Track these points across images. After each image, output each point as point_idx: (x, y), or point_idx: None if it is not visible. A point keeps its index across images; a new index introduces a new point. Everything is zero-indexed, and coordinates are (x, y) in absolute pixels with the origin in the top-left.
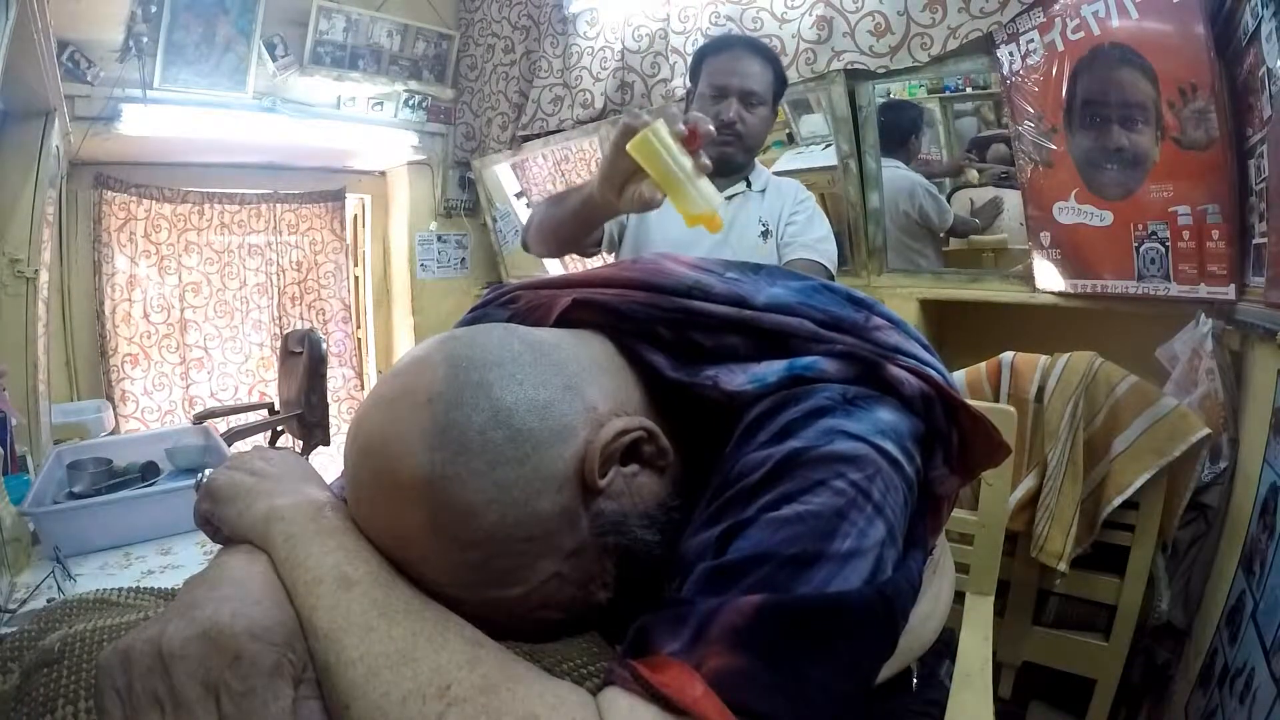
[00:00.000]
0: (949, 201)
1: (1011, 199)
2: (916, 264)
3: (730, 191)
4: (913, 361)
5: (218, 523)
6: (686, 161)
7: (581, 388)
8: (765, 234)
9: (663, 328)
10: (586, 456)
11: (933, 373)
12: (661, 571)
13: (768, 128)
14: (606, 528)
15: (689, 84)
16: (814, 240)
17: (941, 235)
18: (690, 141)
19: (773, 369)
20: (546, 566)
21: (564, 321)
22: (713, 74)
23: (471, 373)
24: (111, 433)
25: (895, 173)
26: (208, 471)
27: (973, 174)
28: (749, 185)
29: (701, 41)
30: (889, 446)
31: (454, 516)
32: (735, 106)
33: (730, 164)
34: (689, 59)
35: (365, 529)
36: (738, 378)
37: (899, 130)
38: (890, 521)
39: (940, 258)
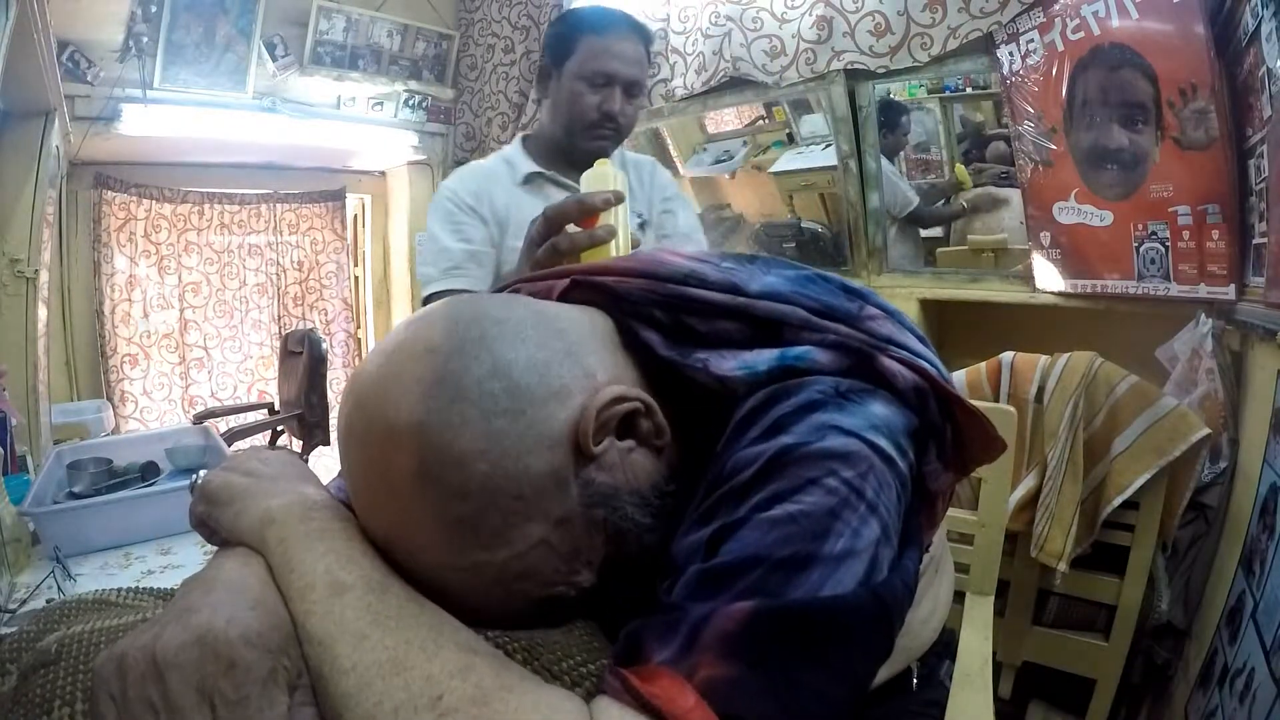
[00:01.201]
0: (949, 205)
1: (1011, 199)
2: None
3: None
4: (906, 354)
5: (213, 525)
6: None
7: (581, 355)
8: (643, 225)
9: (659, 310)
10: (581, 419)
11: (927, 365)
12: (653, 561)
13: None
14: (596, 499)
15: (544, 57)
16: (690, 230)
17: (899, 218)
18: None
19: (763, 357)
20: (534, 531)
21: (564, 302)
22: (594, 57)
23: (473, 328)
24: (111, 433)
25: None
26: (202, 473)
27: (963, 171)
28: None
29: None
30: (882, 442)
31: (444, 464)
32: (620, 98)
33: (603, 155)
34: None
35: (352, 481)
36: (728, 363)
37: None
38: (884, 520)
39: (905, 239)
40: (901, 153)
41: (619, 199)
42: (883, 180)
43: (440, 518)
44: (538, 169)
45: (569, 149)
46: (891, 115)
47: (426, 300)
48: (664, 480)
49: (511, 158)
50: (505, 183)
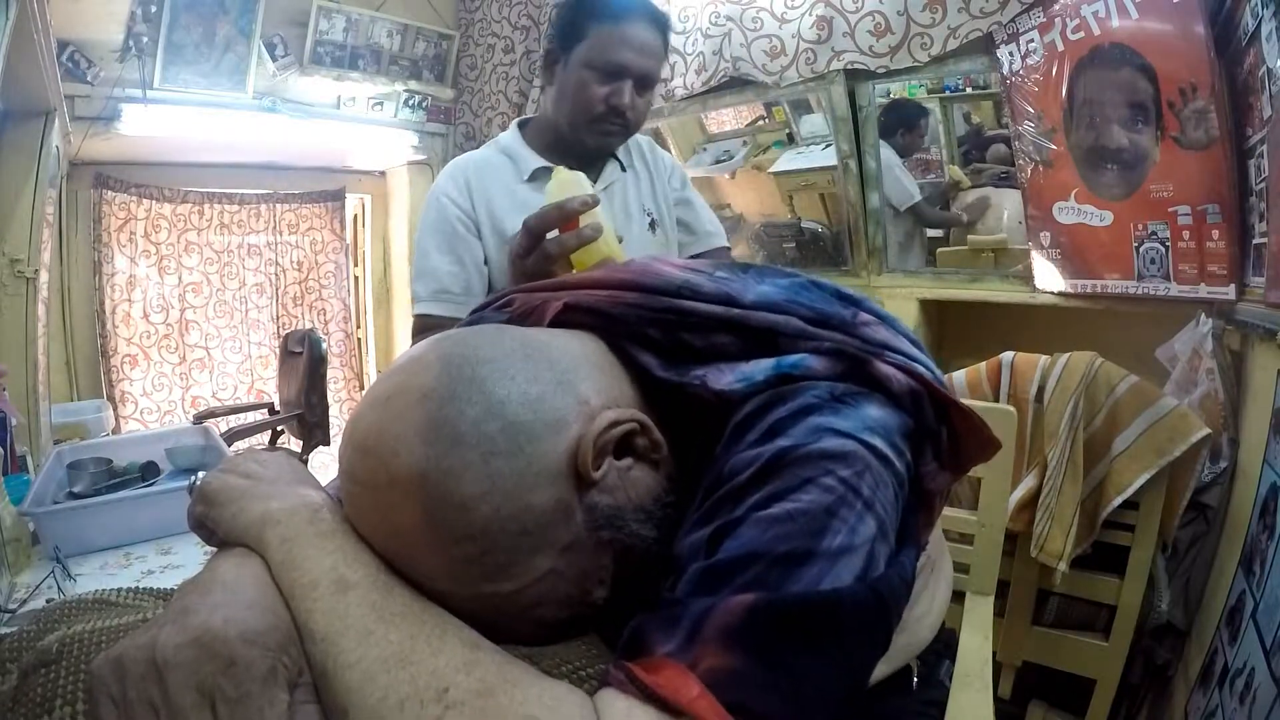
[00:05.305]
0: (951, 204)
1: (1011, 199)
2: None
3: (606, 180)
4: (901, 358)
5: (212, 526)
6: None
7: (574, 382)
8: (652, 225)
9: (653, 329)
10: (579, 448)
11: (921, 369)
12: (660, 567)
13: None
14: (601, 521)
15: (551, 40)
16: (714, 225)
17: (899, 211)
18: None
19: (760, 367)
20: (542, 562)
21: (557, 325)
22: (606, 45)
23: (465, 369)
24: (111, 433)
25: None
26: (201, 475)
27: (956, 170)
28: (622, 166)
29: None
30: (877, 443)
31: (448, 510)
32: (630, 92)
33: (608, 150)
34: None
35: (360, 527)
36: (726, 377)
37: (892, 123)
38: (881, 517)
39: (909, 243)
40: (914, 155)
41: (595, 201)
42: (886, 173)
43: (447, 558)
44: (545, 163)
45: (572, 142)
46: (909, 115)
47: (416, 319)
48: (664, 491)
49: (511, 149)
50: (506, 179)
